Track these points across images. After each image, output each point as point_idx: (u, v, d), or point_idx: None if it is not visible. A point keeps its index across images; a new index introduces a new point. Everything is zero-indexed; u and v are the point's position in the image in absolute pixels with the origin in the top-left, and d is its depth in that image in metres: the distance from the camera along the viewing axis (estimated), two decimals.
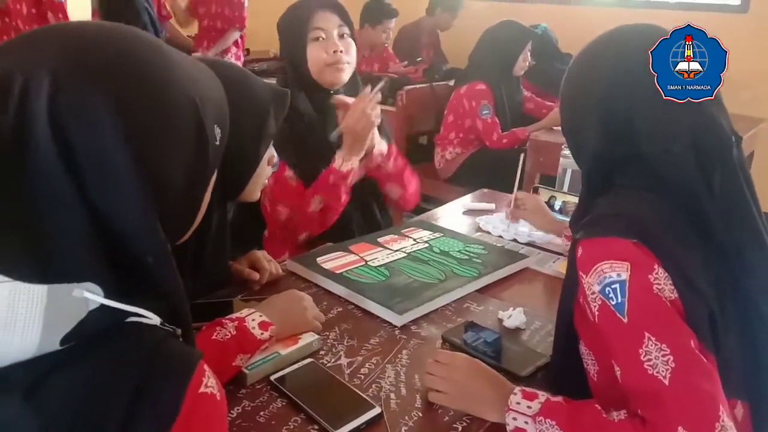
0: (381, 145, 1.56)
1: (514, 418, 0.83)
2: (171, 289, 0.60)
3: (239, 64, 4.10)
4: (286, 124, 1.46)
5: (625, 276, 0.77)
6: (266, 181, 1.22)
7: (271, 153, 1.20)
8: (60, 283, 0.52)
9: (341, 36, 1.54)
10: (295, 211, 1.50)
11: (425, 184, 3.30)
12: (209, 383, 0.58)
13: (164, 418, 0.53)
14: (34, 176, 0.52)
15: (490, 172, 2.86)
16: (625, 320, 0.76)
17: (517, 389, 0.85)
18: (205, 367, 0.59)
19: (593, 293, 0.80)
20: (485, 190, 2.05)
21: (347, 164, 1.46)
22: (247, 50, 4.73)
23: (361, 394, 0.91)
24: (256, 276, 1.25)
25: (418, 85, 3.56)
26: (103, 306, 0.54)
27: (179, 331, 0.62)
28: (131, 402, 0.52)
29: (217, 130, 0.66)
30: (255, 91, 1.12)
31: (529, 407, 0.83)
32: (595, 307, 0.80)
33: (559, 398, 0.83)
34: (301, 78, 1.53)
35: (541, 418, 0.81)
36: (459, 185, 3.02)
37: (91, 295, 0.53)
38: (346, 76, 1.54)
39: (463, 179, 3.03)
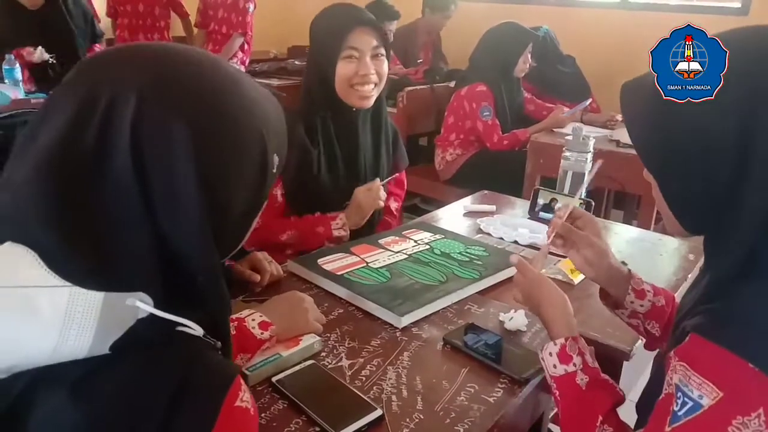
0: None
1: (542, 358, 0.90)
2: (217, 306, 0.63)
3: (243, 68, 4.11)
4: (311, 139, 1.49)
5: (706, 403, 0.65)
6: None
7: None
8: (116, 292, 0.55)
9: (375, 56, 1.51)
10: (266, 228, 1.46)
11: (425, 186, 3.32)
12: (245, 397, 0.59)
13: (200, 428, 0.55)
14: (108, 191, 0.56)
15: (491, 173, 2.87)
16: (667, 429, 0.68)
17: (559, 342, 0.88)
18: (242, 381, 0.60)
19: (670, 378, 0.70)
20: (486, 192, 2.05)
21: (341, 231, 1.50)
22: None
23: (362, 396, 0.91)
24: (257, 277, 1.25)
25: (418, 87, 3.56)
26: (151, 315, 0.57)
27: (219, 344, 0.64)
28: (169, 407, 0.54)
29: (276, 159, 0.69)
30: None
31: (554, 366, 0.87)
32: (663, 389, 0.72)
33: (584, 379, 0.84)
34: (327, 93, 1.51)
35: (553, 383, 0.87)
36: (459, 187, 3.03)
37: (143, 305, 0.56)
38: (370, 102, 1.54)
39: (464, 181, 3.04)
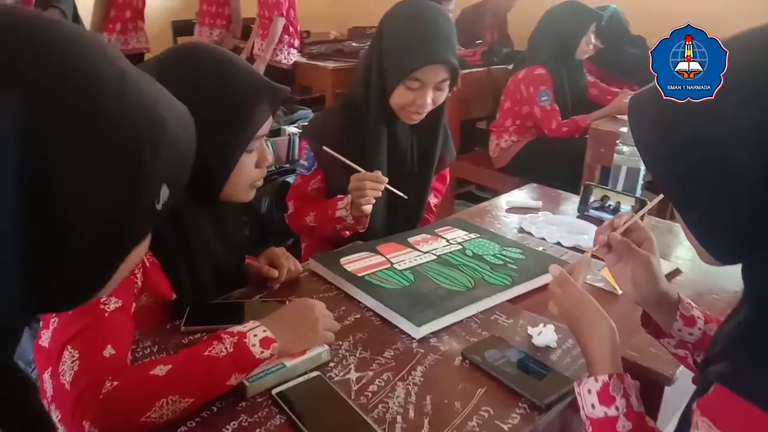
0: None
1: (579, 393, 0.79)
2: None
3: (294, 52, 4.04)
4: (348, 138, 1.44)
5: None
6: (258, 183, 1.12)
7: (261, 154, 1.10)
8: None
9: (438, 87, 1.40)
10: (296, 213, 1.52)
11: (479, 174, 3.20)
12: None
13: None
14: None
15: (548, 162, 2.73)
16: None
17: (601, 380, 0.76)
18: None
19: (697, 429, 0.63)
20: (534, 185, 1.93)
21: (342, 212, 1.40)
22: (307, 32, 4.68)
23: (365, 417, 0.85)
24: (275, 273, 1.20)
25: (474, 69, 3.41)
26: None
27: None
28: None
29: (166, 191, 0.54)
30: (234, 89, 1.02)
31: (592, 406, 0.76)
32: None
33: (626, 426, 0.72)
34: (381, 99, 1.42)
35: (590, 426, 0.76)
36: (514, 175, 2.90)
37: None
38: (419, 119, 1.44)
39: (519, 169, 2.90)
